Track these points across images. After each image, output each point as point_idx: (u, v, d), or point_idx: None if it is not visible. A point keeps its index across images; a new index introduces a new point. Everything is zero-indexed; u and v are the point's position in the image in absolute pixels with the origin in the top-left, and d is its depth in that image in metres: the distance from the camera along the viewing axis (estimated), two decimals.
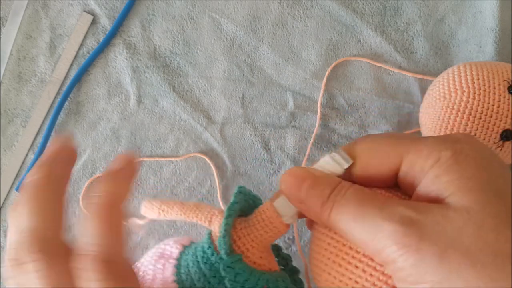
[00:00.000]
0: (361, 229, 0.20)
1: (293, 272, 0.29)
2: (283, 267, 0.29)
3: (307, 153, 0.43)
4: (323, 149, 0.44)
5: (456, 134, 0.24)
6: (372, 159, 0.22)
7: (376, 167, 0.22)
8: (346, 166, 0.23)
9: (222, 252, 0.24)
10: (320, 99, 0.44)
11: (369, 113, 0.44)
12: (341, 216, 0.21)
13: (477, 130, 0.34)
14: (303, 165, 0.43)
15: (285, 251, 0.42)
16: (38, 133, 0.45)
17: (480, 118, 0.34)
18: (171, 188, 0.44)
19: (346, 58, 0.44)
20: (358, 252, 0.21)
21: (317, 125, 0.44)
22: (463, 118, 0.34)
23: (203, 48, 0.45)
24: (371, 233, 0.19)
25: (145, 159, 0.44)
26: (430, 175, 0.20)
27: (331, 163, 0.23)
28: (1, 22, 0.45)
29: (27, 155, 0.45)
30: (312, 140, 0.43)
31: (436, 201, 0.19)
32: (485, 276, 0.17)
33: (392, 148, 0.22)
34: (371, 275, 0.20)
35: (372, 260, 0.21)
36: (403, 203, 0.20)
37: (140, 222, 0.44)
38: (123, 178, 0.24)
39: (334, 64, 0.44)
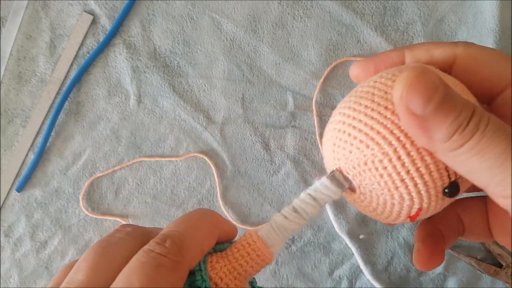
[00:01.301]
0: (499, 179, 0.16)
1: None
2: None
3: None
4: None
5: None
6: (480, 67, 0.20)
7: (479, 78, 0.20)
8: (347, 186, 0.21)
9: None
10: (315, 97, 0.44)
11: None
12: (481, 154, 0.16)
13: None
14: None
15: (285, 251, 0.42)
16: (38, 133, 0.45)
17: None
18: (171, 188, 0.44)
19: (346, 58, 0.44)
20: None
21: (316, 124, 0.44)
22: None
23: (203, 48, 0.45)
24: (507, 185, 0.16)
25: (145, 159, 0.44)
26: None
27: (330, 185, 0.21)
28: (1, 22, 0.45)
29: (27, 155, 0.45)
30: (317, 134, 0.43)
31: None
32: None
33: (507, 67, 0.19)
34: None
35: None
36: None
37: (124, 222, 0.44)
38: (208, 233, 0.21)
39: (334, 64, 0.44)
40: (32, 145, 0.45)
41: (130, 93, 0.45)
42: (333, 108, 0.44)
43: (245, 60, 0.45)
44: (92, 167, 0.45)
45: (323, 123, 0.44)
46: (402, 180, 0.19)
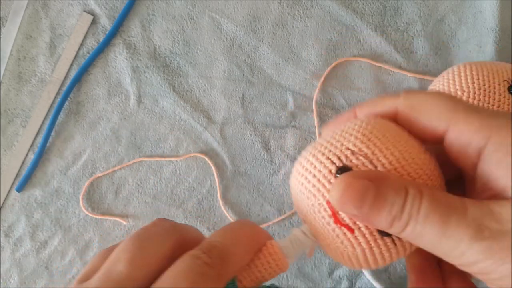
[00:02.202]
0: (446, 246, 0.18)
1: None
2: None
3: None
4: None
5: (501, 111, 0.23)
6: (418, 114, 0.21)
7: (420, 124, 0.21)
8: (315, 239, 0.22)
9: None
10: (315, 97, 0.44)
11: None
12: (420, 236, 0.18)
13: None
14: None
15: None
16: (38, 133, 0.45)
17: None
18: (171, 188, 0.44)
19: (346, 59, 0.44)
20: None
21: (316, 124, 0.44)
22: None
23: (203, 48, 0.45)
24: (457, 250, 0.18)
25: (145, 159, 0.44)
26: (491, 157, 0.18)
27: (302, 237, 0.22)
28: (1, 22, 0.45)
29: (27, 155, 0.45)
30: (317, 135, 0.43)
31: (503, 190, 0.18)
32: None
33: (444, 110, 0.20)
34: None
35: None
36: (486, 215, 0.18)
37: (124, 222, 0.44)
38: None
39: (334, 64, 0.44)
40: (32, 145, 0.45)
41: (130, 93, 0.45)
42: (333, 108, 0.44)
43: (245, 60, 0.45)
44: (92, 167, 0.45)
45: (323, 123, 0.44)
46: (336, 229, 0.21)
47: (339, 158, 0.21)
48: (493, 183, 0.19)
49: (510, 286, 0.17)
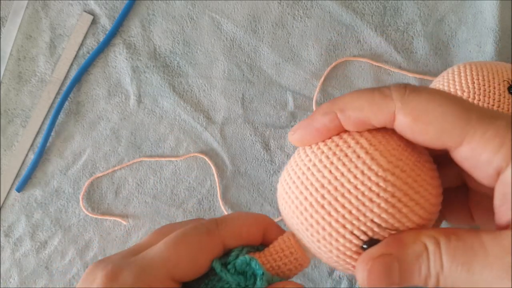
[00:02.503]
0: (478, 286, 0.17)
1: None
2: None
3: None
4: None
5: None
6: (423, 126, 0.18)
7: (425, 137, 0.18)
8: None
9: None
10: (315, 97, 0.44)
11: None
12: (453, 283, 0.17)
13: None
14: None
15: None
16: (38, 133, 0.45)
17: None
18: (171, 188, 0.44)
19: (346, 59, 0.44)
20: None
21: None
22: None
23: (203, 48, 0.45)
24: None
25: (145, 159, 0.44)
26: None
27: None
28: (1, 22, 0.45)
29: (27, 155, 0.45)
30: None
31: None
32: None
33: (457, 123, 0.17)
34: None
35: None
36: (506, 250, 0.17)
37: (124, 222, 0.44)
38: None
39: (333, 64, 0.44)
40: (32, 145, 0.45)
41: (130, 93, 0.45)
42: None
43: (245, 60, 0.45)
44: (92, 167, 0.45)
45: None
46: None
47: (365, 233, 0.19)
48: None
49: None
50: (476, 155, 0.17)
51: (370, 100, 0.19)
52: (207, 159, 0.44)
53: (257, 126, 0.44)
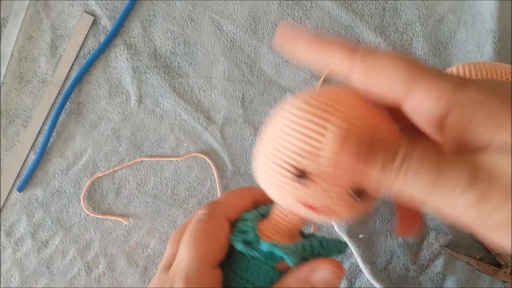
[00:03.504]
0: (438, 194, 0.18)
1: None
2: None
3: None
4: None
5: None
6: (376, 80, 0.20)
7: (378, 90, 0.20)
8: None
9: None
10: None
11: None
12: (411, 186, 0.18)
13: None
14: None
15: None
16: (39, 133, 0.45)
17: None
18: (171, 188, 0.44)
19: None
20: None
21: None
22: None
23: (203, 48, 0.45)
24: (450, 197, 0.18)
25: (145, 159, 0.45)
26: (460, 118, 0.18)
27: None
28: (2, 23, 0.45)
29: (28, 155, 0.45)
30: None
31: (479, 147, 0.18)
32: None
33: (402, 78, 0.19)
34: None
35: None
36: (476, 163, 0.17)
37: (124, 222, 0.44)
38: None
39: None
40: (33, 145, 0.45)
41: (130, 94, 0.45)
42: None
43: (245, 61, 0.45)
44: (93, 167, 0.45)
45: None
46: None
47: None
48: (471, 141, 0.18)
49: (506, 235, 0.17)
50: (419, 107, 0.19)
51: (338, 48, 0.22)
52: (207, 159, 0.44)
53: (257, 126, 0.45)
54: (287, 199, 0.22)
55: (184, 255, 0.23)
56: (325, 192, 0.21)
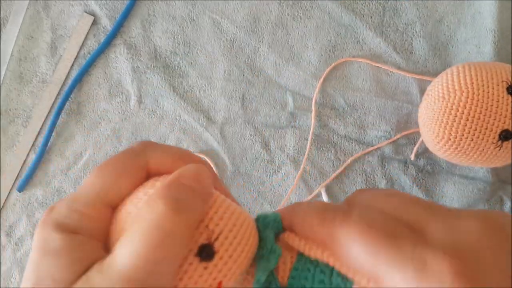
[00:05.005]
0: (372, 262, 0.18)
1: None
2: None
3: (306, 152, 0.43)
4: (322, 149, 0.44)
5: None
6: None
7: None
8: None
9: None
10: (315, 97, 0.44)
11: (368, 113, 0.44)
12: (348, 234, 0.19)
13: (475, 130, 0.34)
14: (302, 165, 0.43)
15: None
16: (39, 133, 0.45)
17: (479, 119, 0.34)
18: None
19: (346, 59, 0.44)
20: None
21: (312, 124, 0.44)
22: (462, 118, 0.35)
23: (203, 48, 0.45)
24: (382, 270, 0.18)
25: None
26: None
27: None
28: (2, 23, 0.45)
29: (28, 155, 0.45)
30: (310, 138, 0.44)
31: None
32: None
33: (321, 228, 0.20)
34: None
35: None
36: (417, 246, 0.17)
37: None
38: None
39: (333, 64, 0.44)
40: (33, 145, 0.45)
41: (130, 94, 0.45)
42: (332, 108, 0.44)
43: (245, 61, 0.45)
44: (93, 167, 0.45)
45: (322, 123, 0.44)
46: None
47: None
48: None
49: None
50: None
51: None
52: (207, 159, 0.44)
53: (257, 126, 0.45)
54: None
55: (86, 181, 0.21)
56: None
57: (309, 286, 0.20)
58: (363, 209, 0.20)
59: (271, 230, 0.21)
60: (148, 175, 0.22)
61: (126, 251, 0.17)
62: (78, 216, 0.19)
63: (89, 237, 0.19)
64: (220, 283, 0.18)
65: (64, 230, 0.19)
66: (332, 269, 0.20)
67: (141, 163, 0.21)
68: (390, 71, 0.44)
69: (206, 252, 0.18)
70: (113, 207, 0.21)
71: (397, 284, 0.17)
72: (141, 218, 0.18)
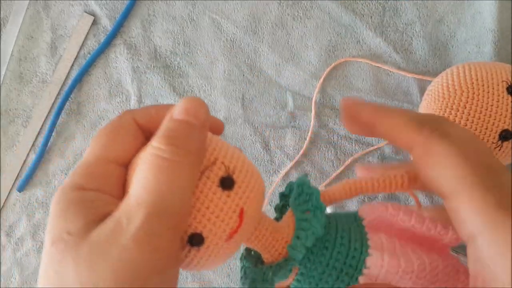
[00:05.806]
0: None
1: None
2: None
3: (302, 149, 0.43)
4: (322, 149, 0.44)
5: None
6: (429, 171, 0.21)
7: (427, 179, 0.21)
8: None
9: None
10: (314, 97, 0.44)
11: None
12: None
13: (476, 130, 0.34)
14: (294, 160, 0.43)
15: None
16: (39, 133, 0.45)
17: (479, 118, 0.34)
18: None
19: (346, 59, 0.44)
20: None
21: (312, 124, 0.44)
22: (462, 118, 0.35)
23: (203, 48, 0.45)
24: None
25: None
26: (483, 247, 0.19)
27: None
28: (2, 23, 0.45)
29: (28, 155, 0.45)
30: (308, 137, 0.44)
31: None
32: None
33: (453, 180, 0.20)
34: None
35: None
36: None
37: None
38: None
39: (333, 64, 0.44)
40: (33, 145, 0.45)
41: (130, 94, 0.45)
42: (332, 108, 0.44)
43: (245, 61, 0.45)
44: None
45: (322, 123, 0.44)
46: None
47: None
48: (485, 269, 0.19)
49: None
50: (457, 211, 0.19)
51: (409, 127, 0.21)
52: None
53: (257, 126, 0.45)
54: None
55: (88, 148, 0.22)
56: None
57: (331, 248, 0.24)
58: (459, 134, 0.20)
59: (316, 189, 0.24)
60: (145, 132, 0.23)
61: (137, 186, 0.19)
62: (86, 176, 0.21)
63: (100, 191, 0.20)
64: (242, 210, 0.21)
65: (74, 189, 0.20)
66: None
67: (128, 119, 0.23)
68: (390, 71, 0.44)
69: (228, 183, 0.21)
70: (121, 164, 0.22)
71: (465, 209, 0.19)
72: (144, 159, 0.20)
